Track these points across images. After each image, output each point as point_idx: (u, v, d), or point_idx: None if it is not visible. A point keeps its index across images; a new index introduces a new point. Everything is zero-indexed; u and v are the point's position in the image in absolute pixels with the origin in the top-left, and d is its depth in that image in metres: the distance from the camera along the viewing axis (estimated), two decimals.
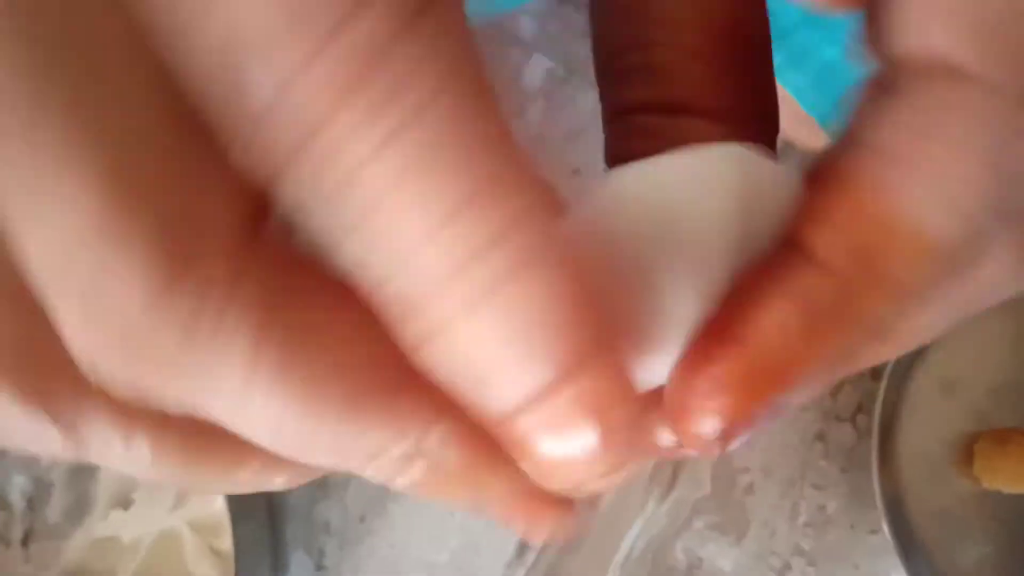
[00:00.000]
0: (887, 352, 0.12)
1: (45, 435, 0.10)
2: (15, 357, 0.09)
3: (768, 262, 0.11)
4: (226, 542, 0.41)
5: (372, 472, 0.10)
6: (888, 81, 0.11)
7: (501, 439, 0.10)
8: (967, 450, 0.44)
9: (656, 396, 0.12)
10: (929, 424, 0.45)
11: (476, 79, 0.08)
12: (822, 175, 0.11)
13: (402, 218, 0.08)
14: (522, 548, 0.44)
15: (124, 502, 0.43)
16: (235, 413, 0.09)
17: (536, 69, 0.50)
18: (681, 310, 0.11)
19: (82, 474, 0.45)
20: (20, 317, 0.09)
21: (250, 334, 0.08)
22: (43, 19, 0.08)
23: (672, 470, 0.44)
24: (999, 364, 0.45)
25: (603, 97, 0.13)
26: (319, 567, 0.44)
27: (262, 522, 0.42)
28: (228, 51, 0.08)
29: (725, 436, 0.11)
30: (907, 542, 0.42)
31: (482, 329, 0.08)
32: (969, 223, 0.10)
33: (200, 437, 0.10)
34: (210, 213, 0.08)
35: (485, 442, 0.10)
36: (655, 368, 0.12)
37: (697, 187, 0.11)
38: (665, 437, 0.12)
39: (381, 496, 0.45)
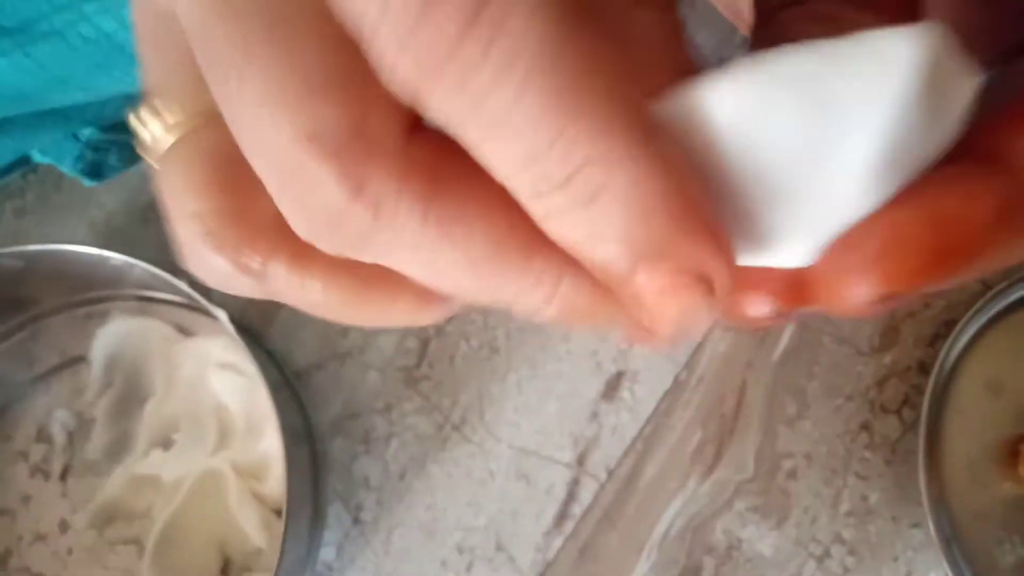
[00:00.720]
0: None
1: (240, 281, 0.13)
2: (232, 229, 0.13)
3: (949, 164, 0.11)
4: (268, 486, 0.41)
5: (517, 309, 0.12)
6: None
7: (619, 295, 0.12)
8: (1012, 451, 0.44)
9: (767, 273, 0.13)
10: (974, 423, 0.45)
11: (554, 30, 0.10)
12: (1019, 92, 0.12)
13: (506, 147, 0.10)
14: (560, 518, 0.44)
15: (165, 442, 0.43)
16: (409, 265, 0.12)
17: None
18: (813, 210, 0.12)
19: (124, 412, 0.44)
20: (237, 194, 0.13)
21: (418, 212, 0.11)
22: None
23: (715, 451, 0.44)
24: None
25: None
26: (356, 521, 0.44)
27: (305, 473, 0.42)
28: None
29: (886, 303, 0.11)
30: (950, 538, 0.42)
31: (578, 227, 0.11)
32: None
33: (363, 278, 0.13)
34: (378, 127, 0.11)
35: (610, 292, 0.12)
36: (790, 254, 0.12)
37: (877, 67, 0.11)
38: (761, 306, 0.13)
39: (423, 456, 0.44)
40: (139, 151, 0.14)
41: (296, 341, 0.46)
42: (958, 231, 0.11)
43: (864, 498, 0.44)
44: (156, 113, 0.14)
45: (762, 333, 0.46)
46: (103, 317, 0.45)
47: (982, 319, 0.45)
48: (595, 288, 0.12)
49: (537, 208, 0.11)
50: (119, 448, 0.44)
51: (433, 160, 0.11)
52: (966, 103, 0.11)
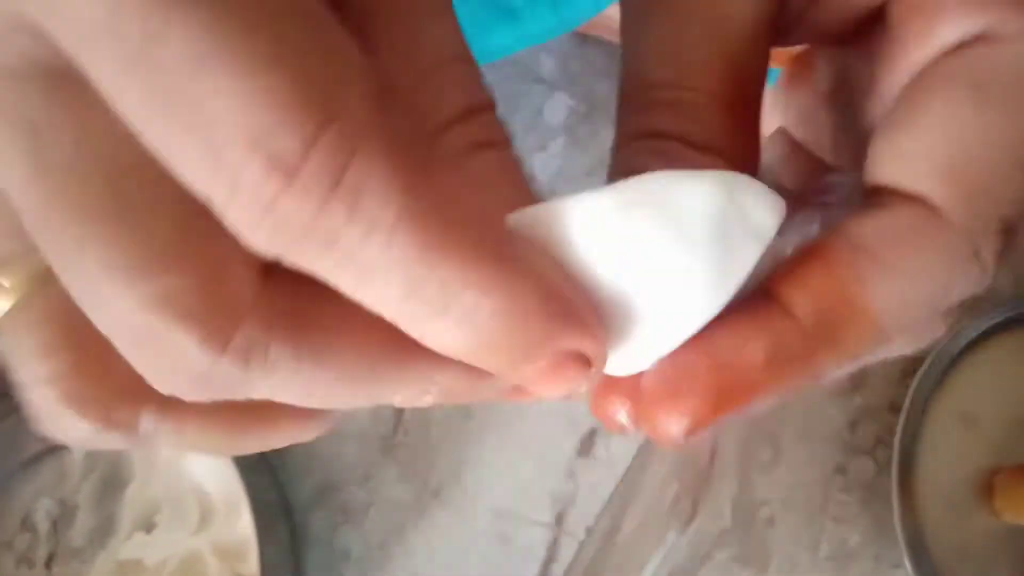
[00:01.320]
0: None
1: (109, 438, 0.13)
2: (92, 389, 0.12)
3: (750, 304, 0.13)
4: (249, 567, 0.41)
5: (397, 404, 0.13)
6: (876, 196, 0.13)
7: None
8: (987, 484, 0.44)
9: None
10: (949, 458, 0.45)
11: (409, 202, 0.10)
12: (808, 251, 0.13)
13: (380, 289, 0.11)
14: None
15: (147, 525, 0.44)
16: (286, 399, 0.12)
17: (558, 106, 0.51)
18: (650, 322, 0.13)
19: (106, 497, 0.45)
20: (88, 352, 0.13)
21: (289, 353, 0.11)
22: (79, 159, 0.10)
23: (692, 503, 0.45)
24: (1018, 400, 0.45)
25: (623, 121, 0.15)
26: None
27: (285, 547, 0.42)
28: (223, 184, 0.10)
29: (687, 433, 0.13)
30: None
31: (459, 342, 0.11)
32: (911, 315, 0.12)
33: (239, 412, 0.13)
34: (234, 281, 0.11)
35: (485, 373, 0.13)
36: (633, 362, 0.14)
37: (685, 207, 0.12)
38: (623, 416, 0.14)
39: (402, 524, 0.45)
40: None
41: None
42: (733, 373, 0.12)
43: (843, 541, 0.44)
44: None
45: None
46: None
47: (950, 354, 0.45)
48: (470, 374, 0.13)
49: (416, 331, 0.11)
50: (103, 533, 0.45)
51: (294, 297, 0.12)
52: (763, 242, 0.12)
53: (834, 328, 0.12)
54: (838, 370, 0.13)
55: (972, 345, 0.46)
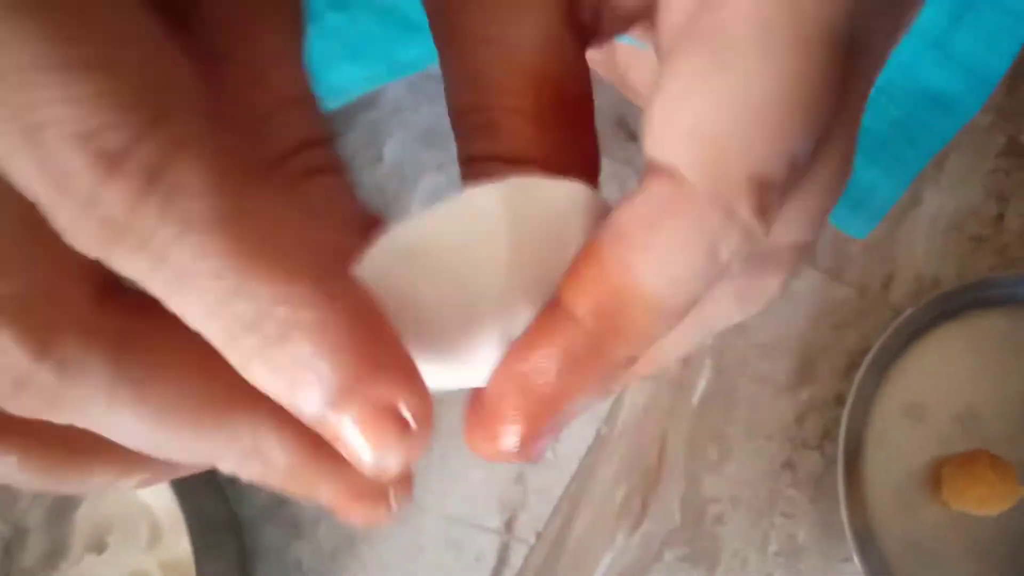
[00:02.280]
0: (641, 372, 0.15)
1: None
2: None
3: (540, 316, 0.14)
4: None
5: (221, 467, 0.13)
6: (643, 176, 0.13)
7: (321, 435, 0.12)
8: (935, 475, 0.44)
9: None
10: (895, 451, 0.45)
11: (224, 210, 0.10)
12: (583, 249, 0.13)
13: (193, 298, 0.11)
14: None
15: (99, 546, 0.44)
16: (105, 429, 0.12)
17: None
18: (470, 333, 0.14)
19: (58, 519, 0.45)
20: None
21: (107, 372, 0.11)
22: None
23: (640, 503, 0.45)
24: (963, 388, 0.46)
25: (457, 150, 0.15)
26: None
27: (232, 562, 0.42)
28: (43, 178, 0.10)
29: (523, 451, 0.14)
30: (879, 570, 0.42)
31: (273, 368, 0.11)
32: (685, 289, 0.12)
33: (60, 449, 0.13)
34: (64, 292, 0.11)
35: (311, 449, 0.13)
36: (453, 379, 0.14)
37: (472, 222, 0.13)
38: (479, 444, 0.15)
39: (352, 537, 0.45)
40: None
41: None
42: (534, 389, 0.12)
43: (792, 537, 0.44)
44: None
45: (679, 381, 0.46)
46: None
47: (892, 346, 0.45)
48: (295, 447, 0.13)
49: (233, 354, 0.11)
50: (55, 555, 0.45)
51: (127, 322, 0.12)
52: (577, 218, 0.13)
53: (614, 319, 0.13)
54: (640, 354, 0.13)
55: (915, 337, 0.46)
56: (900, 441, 0.45)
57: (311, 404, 0.11)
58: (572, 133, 0.14)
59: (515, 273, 0.13)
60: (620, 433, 0.46)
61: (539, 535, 0.44)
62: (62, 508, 0.45)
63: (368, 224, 0.14)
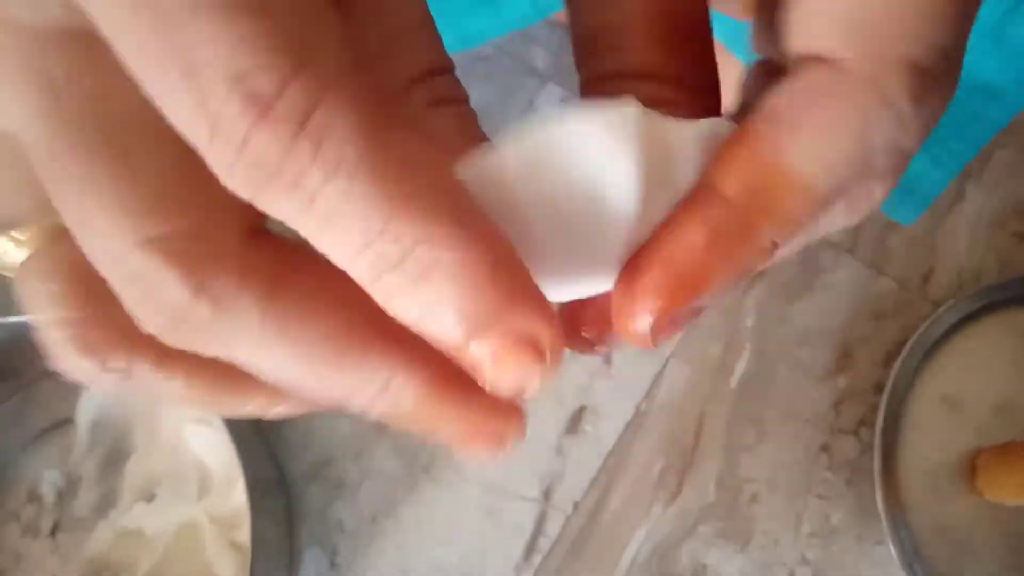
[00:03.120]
0: (765, 263, 0.15)
1: (107, 379, 0.14)
2: (94, 335, 0.13)
3: (686, 198, 0.14)
4: (244, 535, 0.43)
5: (353, 404, 0.13)
6: (777, 68, 0.14)
7: (461, 364, 0.13)
8: (970, 464, 0.45)
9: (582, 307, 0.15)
10: (932, 439, 0.46)
11: (369, 152, 0.11)
12: (732, 135, 0.14)
13: (341, 239, 0.11)
14: (529, 551, 0.45)
15: (148, 496, 0.45)
16: (249, 364, 0.13)
17: (550, 97, 0.53)
18: (597, 247, 0.14)
19: (109, 470, 0.47)
20: (95, 301, 0.14)
21: (256, 315, 0.12)
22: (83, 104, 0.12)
23: (678, 478, 0.45)
24: (1001, 381, 0.46)
25: (581, 71, 0.16)
26: (332, 564, 0.45)
27: (279, 519, 0.44)
28: (199, 124, 0.11)
29: (655, 331, 0.14)
30: (911, 555, 0.43)
31: (417, 304, 0.12)
32: (835, 173, 0.13)
33: (221, 376, 0.14)
34: (218, 231, 0.12)
35: (438, 389, 0.13)
36: (582, 289, 0.15)
37: (598, 143, 0.13)
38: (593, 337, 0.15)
39: (393, 498, 0.46)
40: None
41: None
42: (678, 261, 0.13)
43: (826, 518, 0.45)
44: (3, 230, 0.14)
45: (720, 364, 0.47)
46: None
47: (932, 337, 0.46)
48: (425, 387, 0.13)
49: (378, 291, 0.12)
50: (105, 504, 0.46)
51: (274, 261, 0.13)
52: (691, 149, 0.13)
53: (765, 198, 0.13)
54: (784, 239, 0.13)
55: (954, 330, 0.47)
56: (936, 429, 0.46)
57: (453, 337, 0.12)
58: (695, 54, 0.15)
59: (646, 192, 0.13)
60: (659, 410, 0.46)
61: (576, 505, 0.45)
62: (114, 459, 0.47)
63: None
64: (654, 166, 0.13)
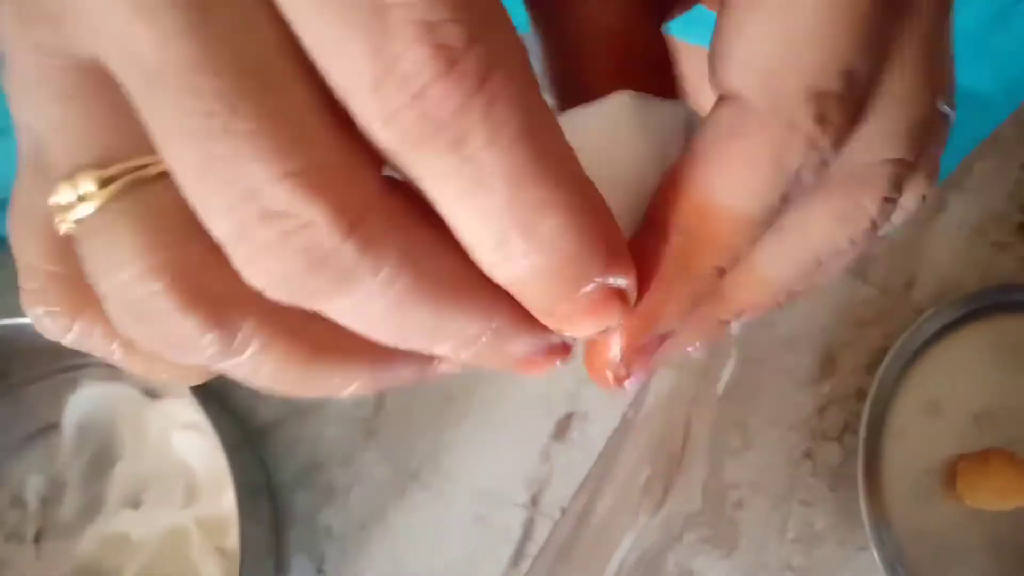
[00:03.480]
0: (759, 304, 0.16)
1: (204, 343, 0.12)
2: (205, 283, 0.12)
3: (632, 238, 0.15)
4: (232, 541, 0.43)
5: (442, 349, 0.13)
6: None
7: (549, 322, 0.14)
8: (950, 471, 0.46)
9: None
10: (914, 446, 0.46)
11: (526, 121, 0.11)
12: (668, 171, 0.15)
13: (480, 202, 0.12)
14: (517, 558, 0.45)
15: (134, 502, 0.45)
16: (357, 315, 0.12)
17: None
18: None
19: (95, 475, 0.46)
20: (200, 253, 0.12)
21: (397, 257, 0.12)
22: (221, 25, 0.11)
23: (663, 486, 0.46)
24: (981, 388, 0.47)
25: (554, 95, 0.17)
26: (320, 571, 0.45)
27: (267, 525, 0.44)
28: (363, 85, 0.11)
29: (625, 366, 0.15)
30: (895, 561, 0.43)
31: (534, 268, 0.12)
32: (759, 199, 0.13)
33: (320, 343, 0.13)
34: (364, 172, 0.11)
35: (526, 328, 0.14)
36: None
37: (605, 126, 0.14)
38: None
39: (382, 505, 0.46)
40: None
41: (259, 399, 0.48)
42: (637, 315, 0.14)
43: (810, 524, 0.45)
44: (68, 176, 0.12)
45: (705, 370, 0.48)
46: (74, 384, 0.47)
47: (914, 344, 0.47)
48: (518, 323, 0.14)
49: (499, 253, 0.12)
50: (91, 510, 0.46)
51: (405, 207, 0.12)
52: (670, 131, 0.15)
53: (701, 233, 0.14)
54: (728, 265, 0.14)
55: (936, 337, 0.47)
56: (918, 436, 0.46)
57: (553, 295, 0.13)
58: (655, 91, 0.16)
59: (646, 174, 0.14)
60: (645, 417, 0.47)
61: (564, 511, 0.45)
62: (100, 464, 0.46)
63: None
64: (651, 144, 0.14)
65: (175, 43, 0.10)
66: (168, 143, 0.11)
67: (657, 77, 0.17)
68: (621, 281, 0.13)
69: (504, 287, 0.13)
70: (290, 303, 0.12)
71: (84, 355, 0.47)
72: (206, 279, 0.12)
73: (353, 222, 0.11)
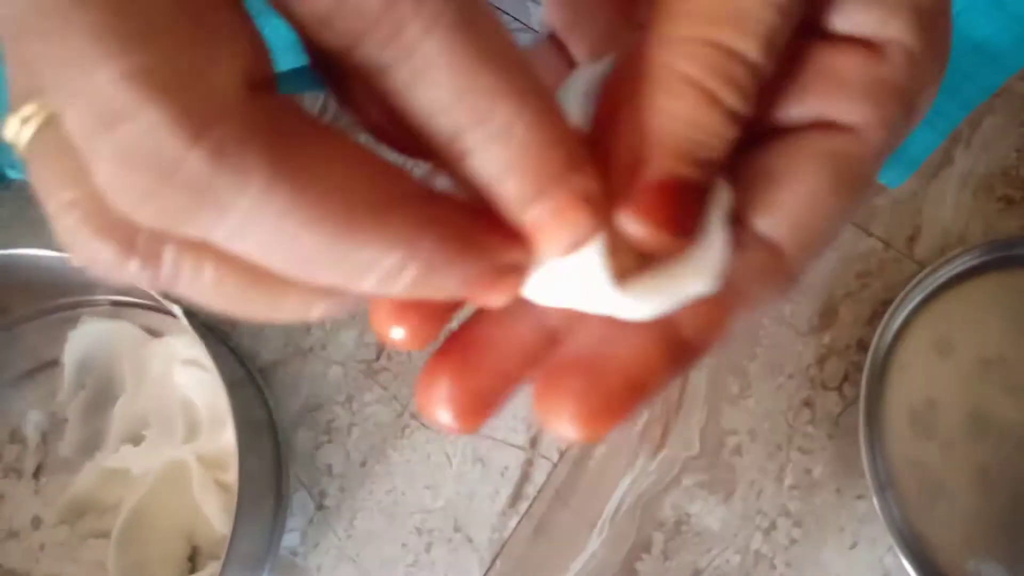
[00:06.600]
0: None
1: (130, 265, 0.12)
2: (116, 214, 0.12)
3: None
4: (232, 476, 0.43)
5: (368, 285, 0.12)
6: (767, 132, 0.15)
7: (519, 225, 0.13)
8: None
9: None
10: (915, 394, 0.46)
11: (462, 10, 0.12)
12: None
13: (432, 92, 0.12)
14: (515, 499, 0.45)
15: (135, 438, 0.45)
16: (244, 239, 0.11)
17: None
18: None
19: (95, 411, 0.46)
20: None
21: (264, 170, 0.11)
22: None
23: (662, 429, 0.46)
24: (984, 342, 0.47)
25: None
26: (320, 507, 0.45)
27: (268, 461, 0.44)
28: None
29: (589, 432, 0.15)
30: (893, 505, 0.44)
31: (494, 159, 0.12)
32: (811, 236, 0.15)
33: (250, 269, 0.13)
34: (220, 75, 0.11)
35: (460, 244, 0.13)
36: None
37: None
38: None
39: (382, 443, 0.46)
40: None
41: (261, 339, 0.48)
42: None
43: (808, 471, 0.45)
44: (13, 111, 0.12)
45: None
46: (75, 321, 0.47)
47: (918, 297, 0.47)
48: (451, 244, 0.12)
49: (457, 146, 0.12)
50: (91, 445, 0.46)
51: (282, 119, 0.11)
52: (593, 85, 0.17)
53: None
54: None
55: (941, 290, 0.47)
56: (919, 382, 0.46)
57: (524, 193, 0.13)
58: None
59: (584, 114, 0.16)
60: None
61: (562, 454, 0.46)
62: (101, 400, 0.46)
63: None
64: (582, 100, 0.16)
65: None
66: (35, 61, 0.11)
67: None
68: (587, 183, 0.13)
69: (471, 192, 0.13)
70: (162, 227, 0.11)
71: (87, 292, 0.47)
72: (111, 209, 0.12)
73: (199, 128, 0.10)
